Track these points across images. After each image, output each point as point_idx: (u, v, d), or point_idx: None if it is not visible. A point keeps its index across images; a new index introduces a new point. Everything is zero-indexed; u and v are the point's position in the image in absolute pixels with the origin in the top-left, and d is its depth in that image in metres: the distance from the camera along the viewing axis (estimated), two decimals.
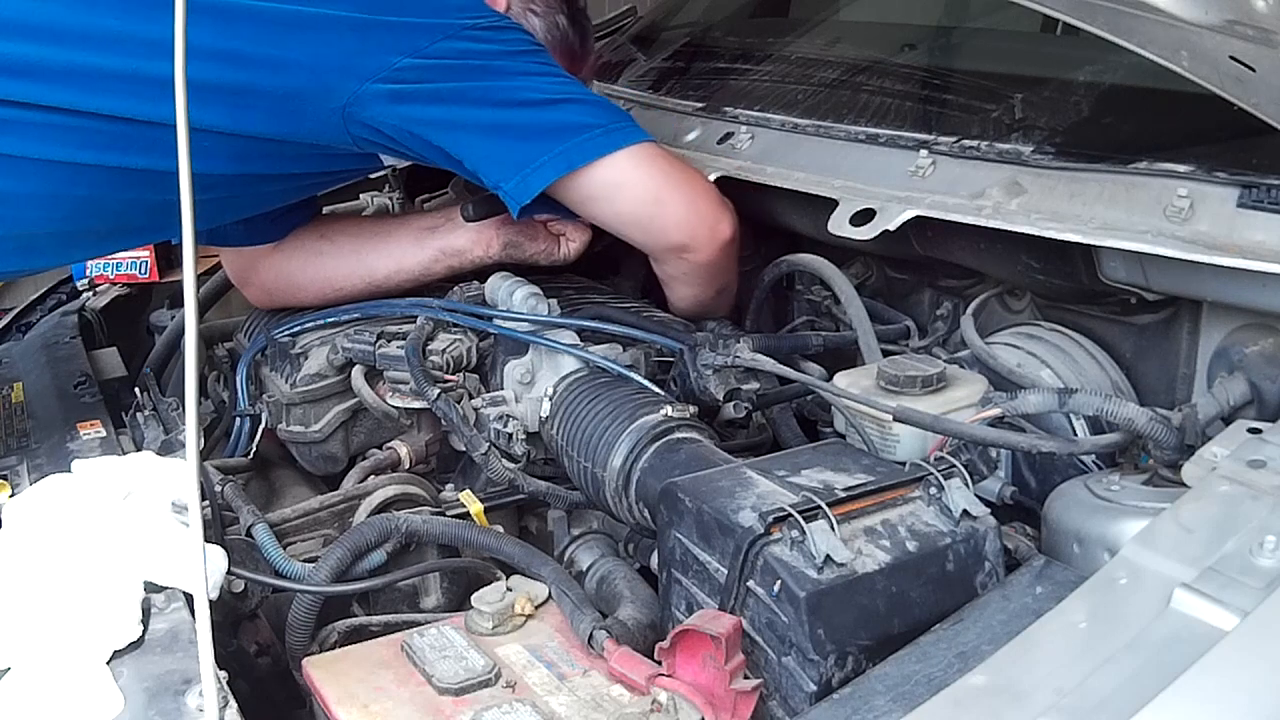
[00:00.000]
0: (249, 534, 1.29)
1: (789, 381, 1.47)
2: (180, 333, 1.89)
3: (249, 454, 1.55)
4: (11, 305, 2.21)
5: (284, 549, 1.30)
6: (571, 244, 1.73)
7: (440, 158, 1.50)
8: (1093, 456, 1.24)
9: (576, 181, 1.51)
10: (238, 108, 1.39)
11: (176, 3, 0.94)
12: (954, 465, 1.10)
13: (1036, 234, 1.29)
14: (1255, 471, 0.98)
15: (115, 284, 2.05)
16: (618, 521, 1.41)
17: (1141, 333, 1.41)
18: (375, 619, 1.29)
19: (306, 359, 1.59)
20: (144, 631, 1.03)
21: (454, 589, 1.35)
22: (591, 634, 1.11)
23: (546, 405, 1.48)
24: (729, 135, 1.76)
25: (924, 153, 1.48)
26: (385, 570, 1.30)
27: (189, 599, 1.07)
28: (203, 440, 1.46)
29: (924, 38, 1.94)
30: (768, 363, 1.44)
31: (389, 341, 1.54)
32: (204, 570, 0.99)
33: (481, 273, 1.65)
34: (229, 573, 1.19)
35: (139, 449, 1.51)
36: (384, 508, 1.39)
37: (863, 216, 1.44)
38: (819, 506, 1.02)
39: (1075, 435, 1.28)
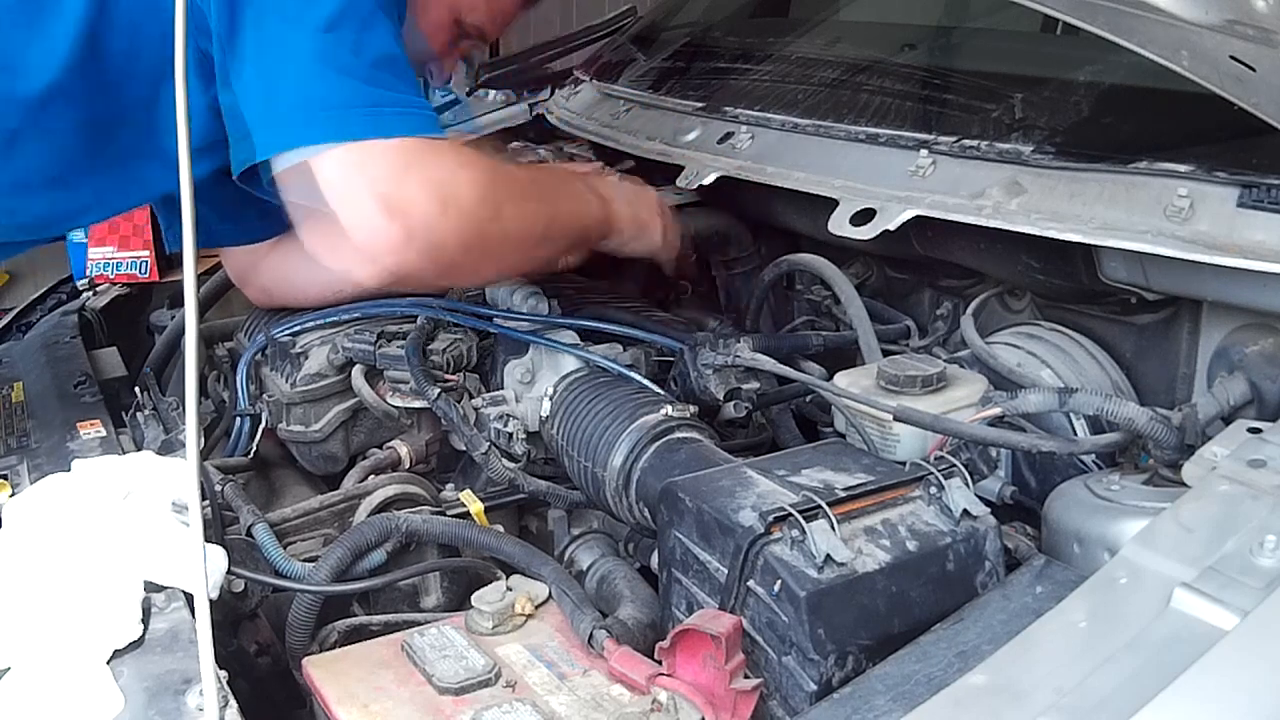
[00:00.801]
0: (249, 534, 1.29)
1: (789, 381, 1.47)
2: (180, 332, 1.89)
3: (249, 454, 1.55)
4: (11, 305, 2.21)
5: (284, 549, 1.30)
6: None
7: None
8: (1093, 456, 1.24)
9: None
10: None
11: (177, 9, 0.93)
12: (954, 465, 1.10)
13: (1037, 234, 1.29)
14: (1255, 471, 0.98)
15: (115, 284, 2.05)
16: (618, 521, 1.41)
17: (1142, 332, 1.41)
18: (375, 619, 1.29)
19: (307, 358, 1.59)
20: (144, 631, 1.03)
21: (454, 589, 1.35)
22: (592, 634, 1.11)
23: (547, 405, 1.48)
24: (729, 135, 1.76)
25: (924, 152, 1.48)
26: (385, 570, 1.30)
27: (189, 599, 1.07)
28: (203, 440, 1.46)
29: (924, 38, 1.94)
30: (768, 362, 1.44)
31: (389, 341, 1.54)
32: (204, 570, 0.99)
33: None
34: (229, 572, 1.19)
35: (139, 449, 1.51)
36: (384, 507, 1.39)
37: (863, 216, 1.44)
38: (819, 506, 1.02)
39: (1075, 435, 1.28)
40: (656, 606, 1.21)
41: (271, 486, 1.58)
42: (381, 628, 1.26)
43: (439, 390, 1.46)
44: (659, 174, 1.95)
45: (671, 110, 1.93)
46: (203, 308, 1.93)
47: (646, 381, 1.46)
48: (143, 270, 2.02)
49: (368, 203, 1.19)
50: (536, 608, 1.19)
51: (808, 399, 1.56)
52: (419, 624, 1.18)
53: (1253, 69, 1.03)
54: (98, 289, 2.05)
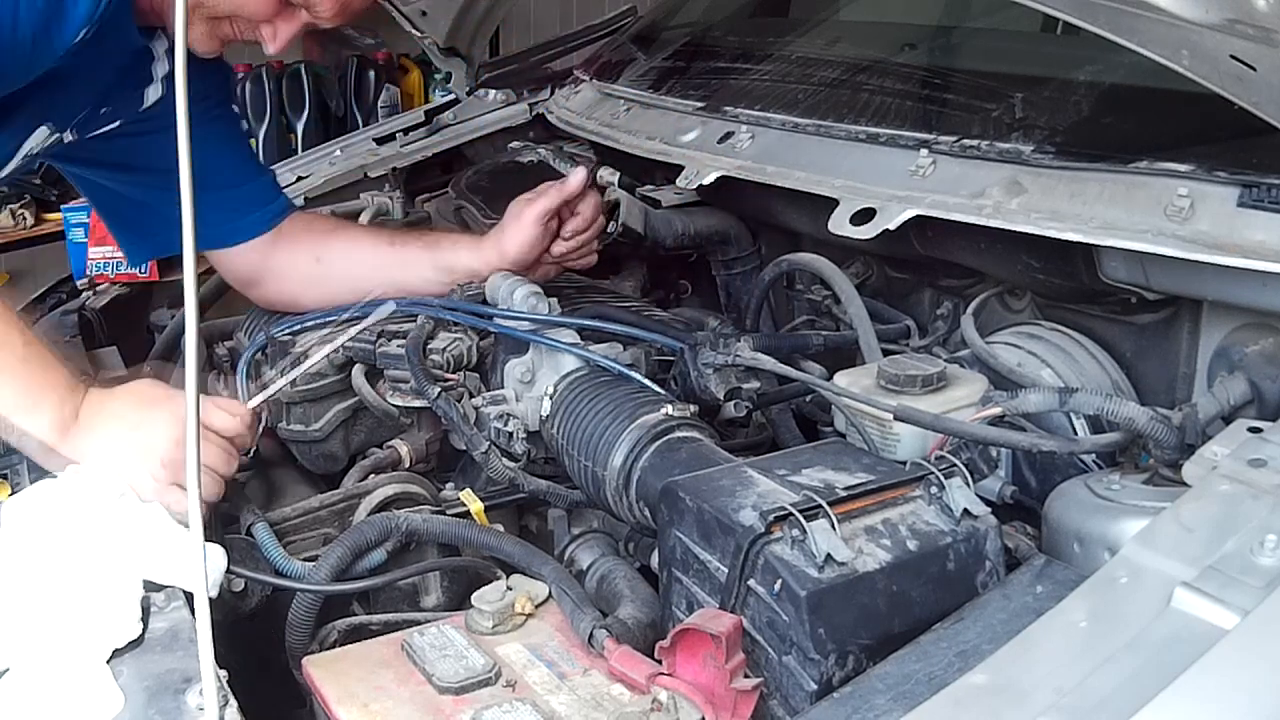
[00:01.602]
0: (249, 533, 1.29)
1: (789, 381, 1.47)
2: (180, 332, 1.89)
3: (249, 453, 1.55)
4: (11, 304, 2.21)
5: (284, 548, 1.30)
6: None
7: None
8: (1093, 456, 1.24)
9: None
10: None
11: (177, 10, 0.93)
12: (954, 464, 1.10)
13: (1037, 233, 1.29)
14: (1256, 471, 0.98)
15: (115, 283, 2.04)
16: (618, 520, 1.41)
17: (1142, 332, 1.41)
18: (375, 618, 1.29)
19: (307, 358, 1.59)
20: (144, 630, 1.03)
21: (454, 588, 1.35)
22: (592, 633, 1.10)
23: (547, 404, 1.48)
24: (729, 135, 1.76)
25: (924, 152, 1.48)
26: (385, 569, 1.30)
27: (189, 598, 1.07)
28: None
29: (924, 37, 1.94)
30: (768, 362, 1.44)
31: (389, 340, 1.54)
32: (204, 570, 0.99)
33: None
34: (229, 571, 1.20)
35: None
36: (384, 507, 1.39)
37: (863, 216, 1.44)
38: (820, 505, 1.02)
39: (1076, 434, 1.28)
40: (656, 606, 1.21)
41: (271, 486, 1.58)
42: (381, 627, 1.26)
43: (439, 389, 1.46)
44: (659, 174, 1.96)
45: (671, 110, 1.93)
46: (203, 307, 1.93)
47: (647, 381, 1.46)
48: (143, 270, 2.01)
49: None
50: (536, 607, 1.18)
51: (808, 398, 1.56)
52: (419, 623, 1.18)
53: (1253, 68, 1.03)
54: (98, 289, 2.04)
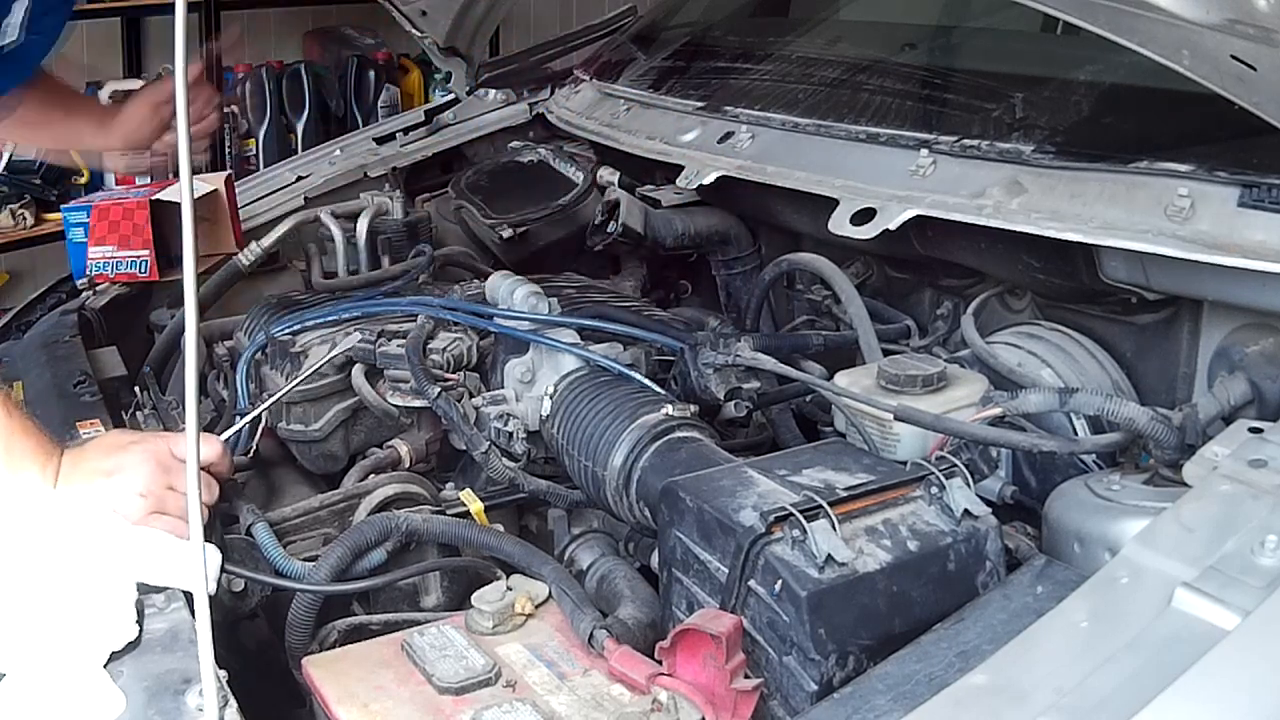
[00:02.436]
0: (249, 533, 1.29)
1: (789, 381, 1.47)
2: (180, 331, 1.89)
3: (249, 453, 1.55)
4: (11, 305, 2.21)
5: (284, 548, 1.30)
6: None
7: None
8: (1093, 456, 1.23)
9: None
10: None
11: (177, 5, 0.93)
12: (955, 465, 1.10)
13: (1037, 233, 1.29)
14: (1256, 471, 0.98)
15: (115, 283, 2.04)
16: (618, 520, 1.41)
17: (1142, 332, 1.41)
18: (375, 618, 1.29)
19: (306, 357, 1.59)
20: (140, 632, 1.03)
21: (454, 588, 1.35)
22: (592, 633, 1.10)
23: (547, 404, 1.48)
24: (729, 134, 1.76)
25: (924, 152, 1.48)
26: (385, 569, 1.30)
27: (189, 598, 1.07)
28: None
29: (924, 37, 1.94)
30: (769, 362, 1.44)
31: (389, 340, 1.54)
32: (204, 570, 0.99)
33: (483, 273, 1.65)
34: (227, 570, 1.20)
35: None
36: (384, 506, 1.39)
37: (863, 216, 1.44)
38: (820, 506, 1.02)
39: (1076, 435, 1.28)
40: (657, 606, 1.21)
41: (271, 486, 1.58)
42: (381, 627, 1.26)
43: (439, 389, 1.46)
44: (659, 174, 1.96)
45: (672, 110, 1.93)
46: (203, 307, 1.93)
47: (647, 381, 1.46)
48: (142, 270, 2.01)
49: None
50: (536, 607, 1.18)
51: (808, 398, 1.56)
52: (419, 623, 1.18)
53: (1254, 68, 1.03)
54: (97, 288, 2.04)
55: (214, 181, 1.98)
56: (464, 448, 1.48)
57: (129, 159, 1.86)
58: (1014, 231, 1.32)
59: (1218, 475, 1.00)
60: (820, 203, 1.52)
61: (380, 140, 2.38)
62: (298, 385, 1.50)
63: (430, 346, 1.52)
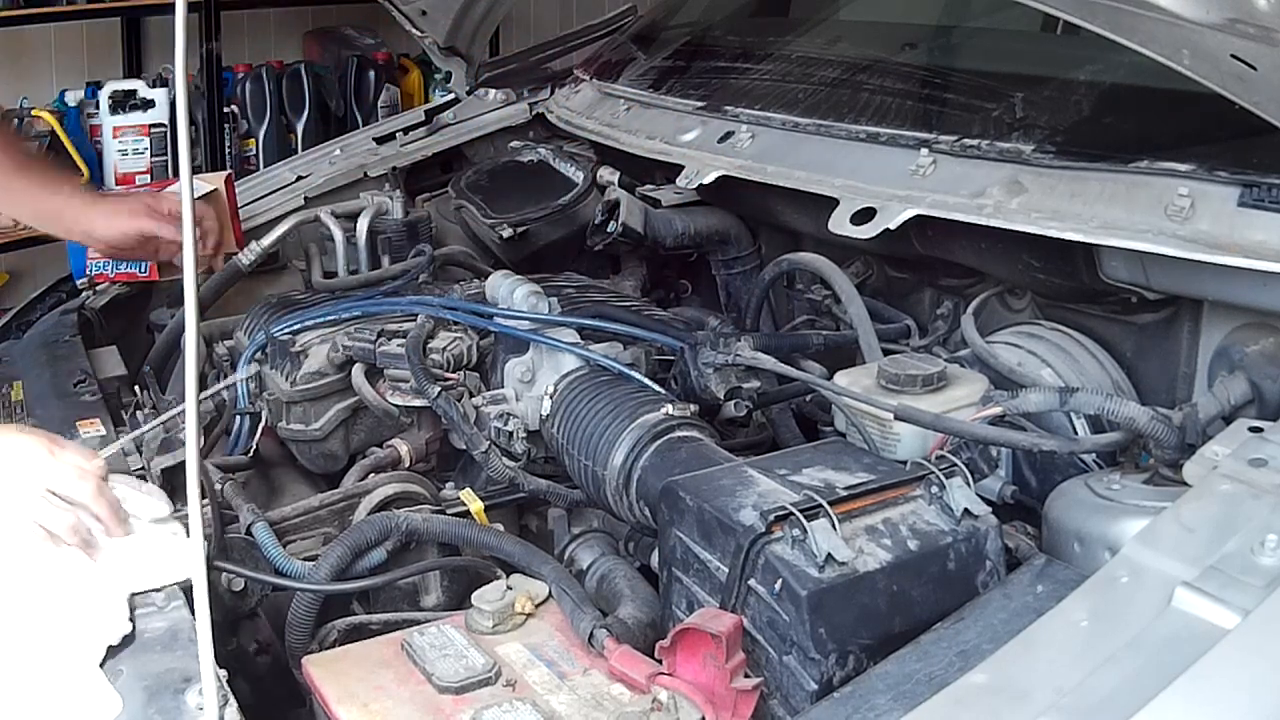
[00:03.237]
0: (249, 532, 1.29)
1: (789, 380, 1.47)
2: (180, 331, 1.89)
3: (249, 452, 1.55)
4: (11, 305, 2.21)
5: (284, 547, 1.30)
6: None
7: None
8: (1093, 455, 1.24)
9: None
10: None
11: (177, 10, 0.92)
12: (955, 464, 1.10)
13: (1037, 233, 1.29)
14: (1256, 470, 0.98)
15: (115, 283, 2.04)
16: (618, 520, 1.41)
17: (1142, 332, 1.41)
18: (375, 617, 1.29)
19: (307, 357, 1.59)
20: (134, 628, 1.03)
21: (454, 587, 1.35)
22: (592, 633, 1.10)
23: (547, 403, 1.48)
24: (729, 134, 1.76)
25: (925, 152, 1.48)
26: (385, 568, 1.30)
27: (188, 597, 1.07)
28: (203, 439, 1.45)
29: (924, 37, 1.94)
30: (769, 361, 1.44)
31: (389, 339, 1.53)
32: (204, 569, 0.99)
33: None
34: (223, 569, 1.20)
35: (139, 448, 1.51)
36: (384, 506, 1.39)
37: (863, 215, 1.44)
38: (820, 505, 1.02)
39: (1076, 434, 1.28)
40: (657, 605, 1.21)
41: (271, 485, 1.58)
42: (381, 627, 1.26)
43: (439, 389, 1.46)
44: (659, 173, 1.96)
45: (672, 109, 1.92)
46: (203, 307, 1.93)
47: (647, 380, 1.46)
48: (142, 269, 2.01)
49: None
50: (536, 607, 1.18)
51: (808, 398, 1.56)
52: (419, 623, 1.18)
53: (1254, 68, 1.03)
54: (97, 288, 2.04)
55: (214, 181, 1.97)
56: (464, 447, 1.48)
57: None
58: (1014, 231, 1.32)
59: (1218, 475, 1.00)
60: (820, 202, 1.52)
61: (380, 140, 2.37)
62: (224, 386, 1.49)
63: (430, 346, 1.52)
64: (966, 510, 1.07)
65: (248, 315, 1.78)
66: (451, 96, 2.49)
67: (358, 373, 1.55)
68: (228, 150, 3.95)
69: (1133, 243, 1.22)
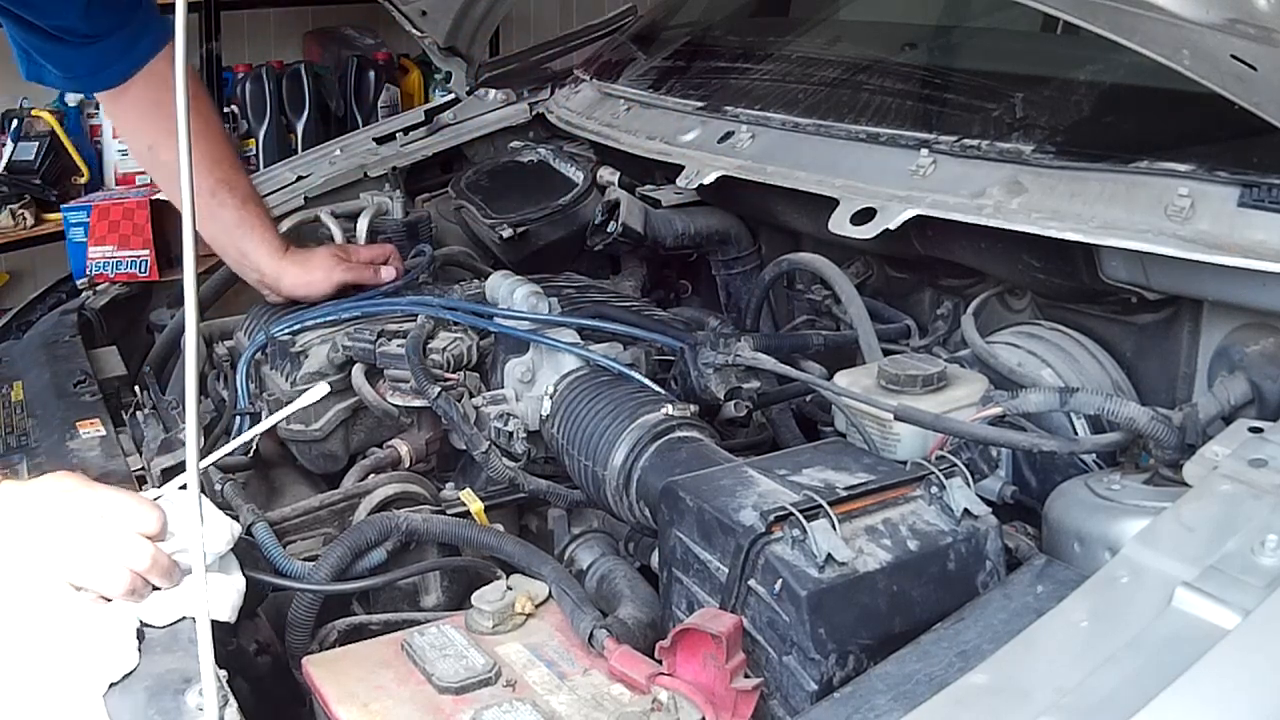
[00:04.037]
0: (249, 532, 1.29)
1: (789, 380, 1.47)
2: (180, 331, 1.89)
3: (249, 453, 1.55)
4: (11, 305, 2.21)
5: (284, 547, 1.30)
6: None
7: None
8: (1093, 456, 1.23)
9: None
10: None
11: (177, 10, 0.92)
12: (955, 464, 1.10)
13: (1037, 233, 1.29)
14: (1256, 470, 0.98)
15: (115, 283, 2.04)
16: (618, 520, 1.41)
17: (1142, 332, 1.41)
18: (375, 618, 1.29)
19: (307, 357, 1.59)
20: (140, 661, 1.01)
21: (454, 588, 1.35)
22: (592, 633, 1.10)
23: (547, 404, 1.48)
24: (729, 134, 1.76)
25: (925, 152, 1.48)
26: (385, 569, 1.30)
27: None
28: (203, 439, 1.45)
29: (924, 37, 1.94)
30: (769, 361, 1.44)
31: (389, 340, 1.54)
32: (204, 571, 0.99)
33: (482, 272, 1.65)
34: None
35: (139, 448, 1.51)
36: (384, 506, 1.39)
37: (863, 215, 1.44)
38: (820, 505, 1.02)
39: (1076, 434, 1.28)
40: (657, 606, 1.21)
41: (271, 485, 1.58)
42: (381, 627, 1.26)
43: (439, 389, 1.46)
44: (659, 174, 1.96)
45: (672, 110, 1.92)
46: (203, 307, 1.93)
47: (647, 380, 1.46)
48: (142, 269, 2.01)
49: None
50: (536, 607, 1.18)
51: (808, 398, 1.56)
52: (419, 623, 1.18)
53: (1254, 68, 1.03)
54: (97, 288, 2.04)
55: None
56: (464, 448, 1.48)
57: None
58: (1014, 231, 1.32)
59: (1218, 475, 1.00)
60: (820, 202, 1.52)
61: (380, 140, 2.37)
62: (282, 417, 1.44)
63: (430, 346, 1.52)
64: (966, 510, 1.07)
65: (248, 315, 1.78)
66: (451, 96, 2.49)
67: (358, 373, 1.55)
68: None
69: (1133, 243, 1.22)
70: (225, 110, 3.92)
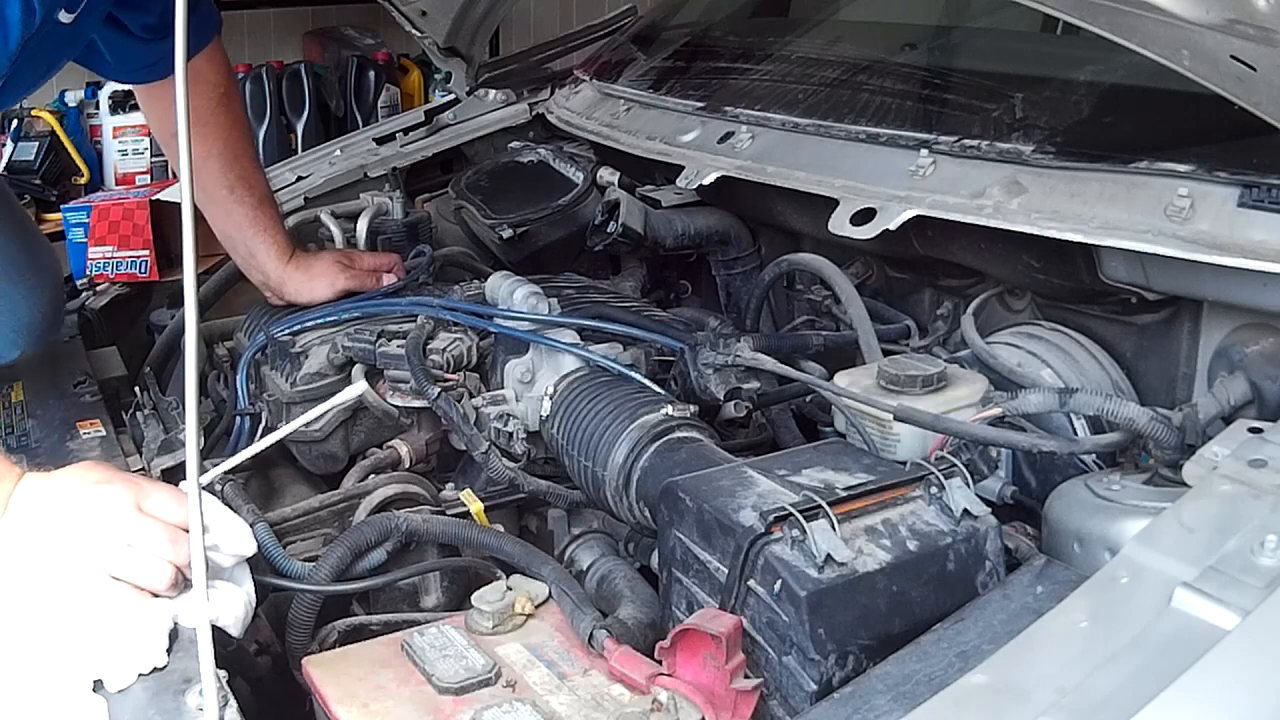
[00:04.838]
0: None
1: (789, 381, 1.47)
2: (180, 332, 1.89)
3: None
4: None
5: (284, 548, 1.30)
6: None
7: None
8: (1093, 456, 1.23)
9: None
10: None
11: (177, 11, 0.92)
12: (955, 465, 1.10)
13: (1037, 233, 1.29)
14: (1256, 471, 0.98)
15: (115, 283, 2.04)
16: (618, 521, 1.41)
17: (1142, 332, 1.41)
18: (375, 618, 1.29)
19: (307, 358, 1.59)
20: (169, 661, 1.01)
21: (454, 588, 1.35)
22: (592, 633, 1.10)
23: (547, 404, 1.48)
24: (729, 135, 1.76)
25: (924, 152, 1.48)
26: (385, 569, 1.30)
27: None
28: (203, 440, 1.45)
29: (924, 37, 1.94)
30: (769, 362, 1.44)
31: (389, 340, 1.54)
32: (203, 571, 0.99)
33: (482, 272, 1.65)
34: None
35: (139, 448, 1.51)
36: (384, 507, 1.39)
37: (863, 216, 1.44)
38: (820, 506, 1.02)
39: (1076, 435, 1.28)
40: (656, 606, 1.21)
41: (271, 486, 1.58)
42: (381, 627, 1.26)
43: (439, 389, 1.46)
44: (659, 174, 1.96)
45: (671, 110, 1.93)
46: (203, 307, 1.93)
47: (647, 381, 1.46)
48: (142, 270, 2.02)
49: None
50: (536, 607, 1.18)
51: (808, 399, 1.56)
52: (419, 624, 1.18)
53: (1254, 68, 1.03)
54: (98, 288, 2.04)
55: None
56: (464, 448, 1.48)
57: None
58: (1014, 231, 1.32)
59: (1218, 475, 1.00)
60: (820, 203, 1.52)
61: (380, 140, 2.37)
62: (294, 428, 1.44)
63: (430, 347, 1.52)
64: (966, 511, 1.07)
65: (248, 316, 1.78)
66: (451, 97, 2.49)
67: (358, 374, 1.55)
68: None
69: (1133, 243, 1.22)
70: None
